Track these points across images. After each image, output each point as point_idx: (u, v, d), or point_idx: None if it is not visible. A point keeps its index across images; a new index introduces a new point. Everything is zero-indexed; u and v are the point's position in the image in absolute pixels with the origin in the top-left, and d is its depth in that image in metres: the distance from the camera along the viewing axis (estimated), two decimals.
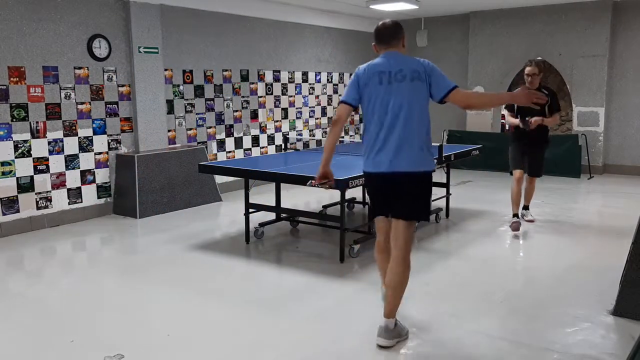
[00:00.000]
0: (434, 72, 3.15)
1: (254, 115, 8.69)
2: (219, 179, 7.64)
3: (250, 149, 8.67)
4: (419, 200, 3.20)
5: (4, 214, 5.88)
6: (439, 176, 6.68)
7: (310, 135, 9.71)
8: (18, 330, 3.61)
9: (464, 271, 4.72)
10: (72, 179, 6.45)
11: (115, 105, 6.82)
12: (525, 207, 6.22)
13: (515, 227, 5.70)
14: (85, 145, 6.55)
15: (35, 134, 6.09)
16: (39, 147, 6.14)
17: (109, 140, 6.78)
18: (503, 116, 11.72)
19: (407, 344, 3.36)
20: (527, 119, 5.49)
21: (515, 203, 5.78)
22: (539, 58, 9.89)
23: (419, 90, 3.13)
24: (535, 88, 5.35)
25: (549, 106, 5.48)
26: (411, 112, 3.11)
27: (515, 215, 5.80)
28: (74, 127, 6.42)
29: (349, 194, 5.49)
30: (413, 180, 3.15)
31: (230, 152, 8.35)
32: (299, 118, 9.52)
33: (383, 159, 3.14)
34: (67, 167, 6.39)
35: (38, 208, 6.15)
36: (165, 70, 7.28)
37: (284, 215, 5.93)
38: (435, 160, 2.84)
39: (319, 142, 9.77)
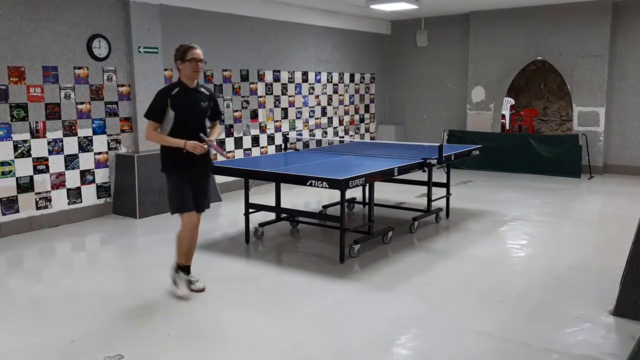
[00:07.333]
0: None
1: (254, 115, 8.68)
2: (219, 179, 7.63)
3: (250, 149, 8.66)
4: None
5: (3, 214, 5.87)
6: (439, 176, 6.69)
7: (310, 135, 9.71)
8: (18, 330, 3.61)
9: (464, 271, 4.72)
10: (72, 179, 6.45)
11: (115, 105, 6.81)
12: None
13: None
14: (85, 145, 6.55)
15: (35, 134, 6.08)
16: (39, 147, 6.13)
17: (109, 140, 6.78)
18: (503, 116, 11.76)
19: (408, 344, 3.36)
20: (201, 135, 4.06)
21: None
22: (539, 58, 9.92)
23: None
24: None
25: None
26: None
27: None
28: (73, 127, 6.42)
29: (349, 194, 5.49)
30: None
31: (230, 152, 8.34)
32: (299, 118, 9.51)
33: None
34: (66, 167, 6.39)
35: (38, 208, 6.15)
36: (165, 70, 7.27)
37: (284, 215, 5.93)
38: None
39: (319, 142, 9.76)
